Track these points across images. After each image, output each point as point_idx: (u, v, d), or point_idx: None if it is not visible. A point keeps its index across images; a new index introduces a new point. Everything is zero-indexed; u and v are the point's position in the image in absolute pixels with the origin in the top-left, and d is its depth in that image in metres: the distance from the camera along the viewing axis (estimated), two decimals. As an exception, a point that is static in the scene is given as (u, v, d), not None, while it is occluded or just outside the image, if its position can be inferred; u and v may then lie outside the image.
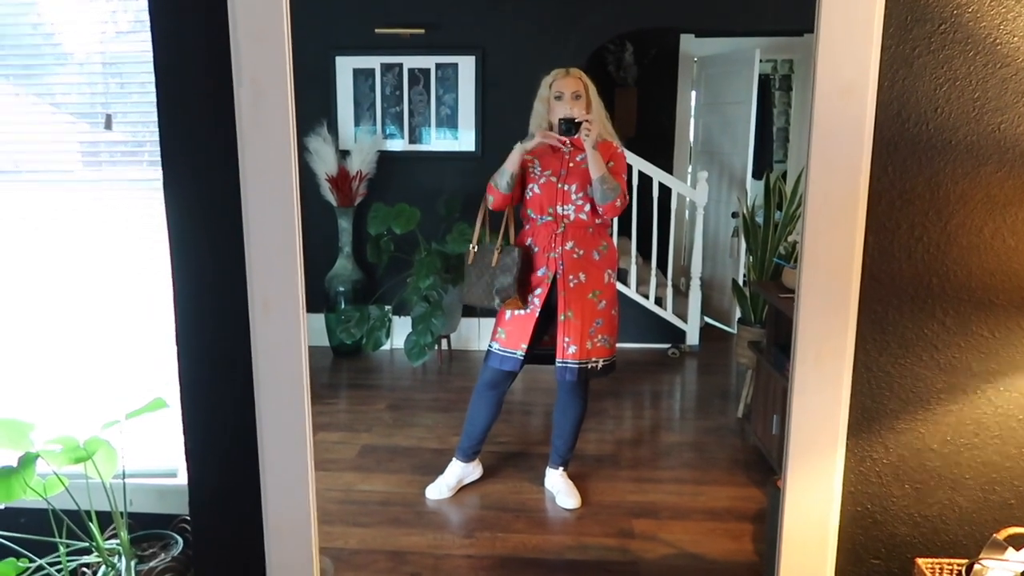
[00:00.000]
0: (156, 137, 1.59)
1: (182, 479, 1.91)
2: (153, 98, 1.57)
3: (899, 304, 1.48)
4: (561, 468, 2.84)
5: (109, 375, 2.13)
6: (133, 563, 1.87)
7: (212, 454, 1.70)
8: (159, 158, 1.60)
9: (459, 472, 2.85)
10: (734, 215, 4.81)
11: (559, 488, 2.79)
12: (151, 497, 2.04)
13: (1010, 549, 1.39)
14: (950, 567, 1.46)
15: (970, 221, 1.44)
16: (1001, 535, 1.41)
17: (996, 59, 1.39)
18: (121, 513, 1.87)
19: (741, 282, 4.39)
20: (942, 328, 1.48)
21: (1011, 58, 1.39)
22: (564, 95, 2.57)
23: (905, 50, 1.40)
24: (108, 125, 2.05)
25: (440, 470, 2.87)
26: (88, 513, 1.85)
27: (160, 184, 1.60)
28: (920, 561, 1.47)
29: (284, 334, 1.54)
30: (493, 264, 2.65)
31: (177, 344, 1.65)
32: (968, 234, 1.45)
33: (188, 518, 1.86)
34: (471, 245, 2.74)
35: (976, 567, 1.39)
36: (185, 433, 1.70)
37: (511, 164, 2.60)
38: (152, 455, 2.09)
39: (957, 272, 1.46)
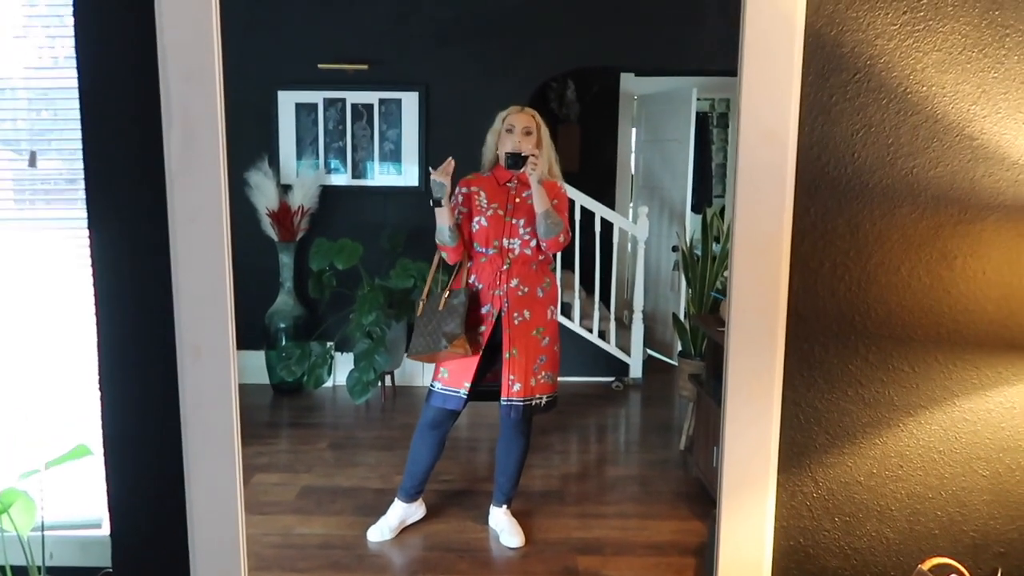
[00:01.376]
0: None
1: (107, 530, 1.83)
2: (85, 135, 1.54)
3: (824, 341, 1.53)
4: (505, 506, 2.81)
5: (28, 422, 2.04)
6: (51, 621, 1.77)
7: (137, 504, 1.63)
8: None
9: (401, 513, 2.80)
10: (674, 249, 4.91)
11: (503, 527, 2.76)
12: (73, 550, 1.95)
13: (934, 579, 1.43)
14: (879, 599, 1.49)
15: (888, 260, 1.50)
16: (926, 565, 1.45)
17: (907, 107, 1.46)
18: (39, 568, 1.78)
19: (682, 315, 4.47)
20: (865, 364, 1.53)
21: (920, 106, 1.46)
22: (515, 128, 2.60)
23: (823, 97, 1.47)
24: (32, 162, 1.99)
25: (382, 511, 2.81)
26: (3, 568, 1.75)
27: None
28: (851, 594, 1.50)
29: (214, 380, 1.50)
30: (440, 308, 2.64)
31: (100, 389, 1.59)
32: (887, 273, 1.51)
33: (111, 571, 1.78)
34: (421, 298, 2.72)
35: (903, 598, 1.42)
36: (108, 482, 1.63)
37: (442, 220, 2.60)
38: (75, 505, 1.99)
39: (878, 309, 1.52)
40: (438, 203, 2.56)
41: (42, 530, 1.79)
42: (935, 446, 1.54)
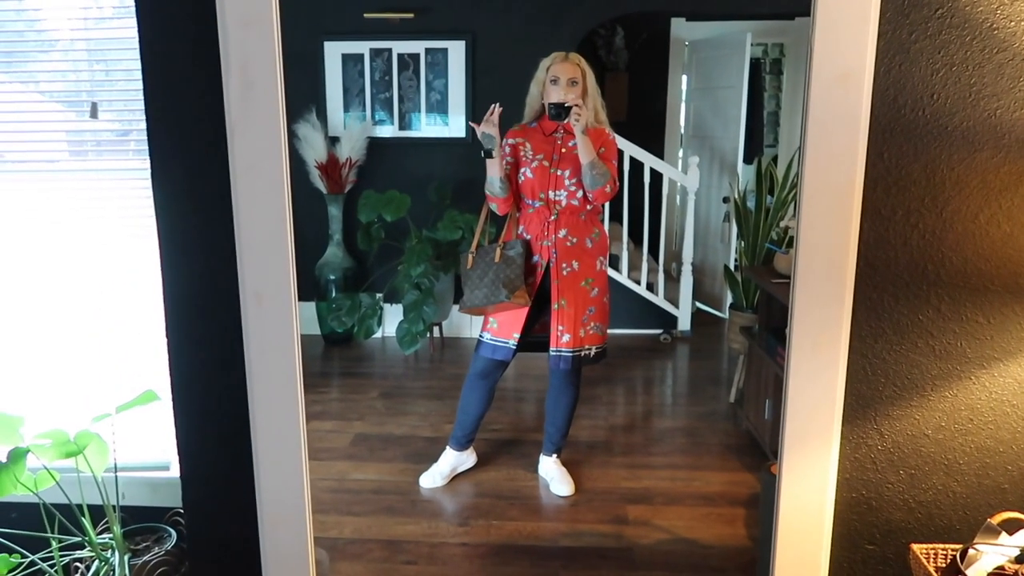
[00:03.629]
0: (142, 126, 1.57)
1: (175, 472, 1.90)
2: (139, 85, 1.54)
3: (894, 291, 1.48)
4: (555, 455, 2.84)
5: (99, 368, 2.11)
6: (127, 557, 1.85)
7: (205, 447, 1.68)
8: (146, 148, 1.57)
9: (453, 460, 2.85)
10: (725, 200, 4.80)
11: (553, 475, 2.79)
12: (143, 490, 2.03)
13: (1004, 534, 1.40)
14: (944, 552, 1.46)
15: (966, 207, 1.44)
16: (995, 520, 1.42)
17: (993, 44, 1.38)
18: (113, 507, 1.86)
19: (732, 267, 4.39)
20: (937, 314, 1.48)
21: (1008, 43, 1.38)
22: (560, 80, 2.54)
23: (902, 35, 1.39)
24: (94, 113, 2.01)
25: (434, 458, 2.86)
26: (80, 507, 1.83)
27: (148, 174, 1.58)
28: (915, 547, 1.48)
29: (276, 325, 1.52)
30: (496, 260, 2.62)
31: (167, 337, 1.63)
32: (964, 220, 1.44)
33: (181, 511, 1.85)
34: (470, 251, 2.71)
35: (970, 552, 1.39)
36: (177, 426, 1.68)
37: (492, 171, 2.58)
38: (144, 448, 2.07)
39: (952, 258, 1.46)
40: (489, 154, 2.53)
41: (115, 471, 1.87)
42: (1008, 399, 1.49)
